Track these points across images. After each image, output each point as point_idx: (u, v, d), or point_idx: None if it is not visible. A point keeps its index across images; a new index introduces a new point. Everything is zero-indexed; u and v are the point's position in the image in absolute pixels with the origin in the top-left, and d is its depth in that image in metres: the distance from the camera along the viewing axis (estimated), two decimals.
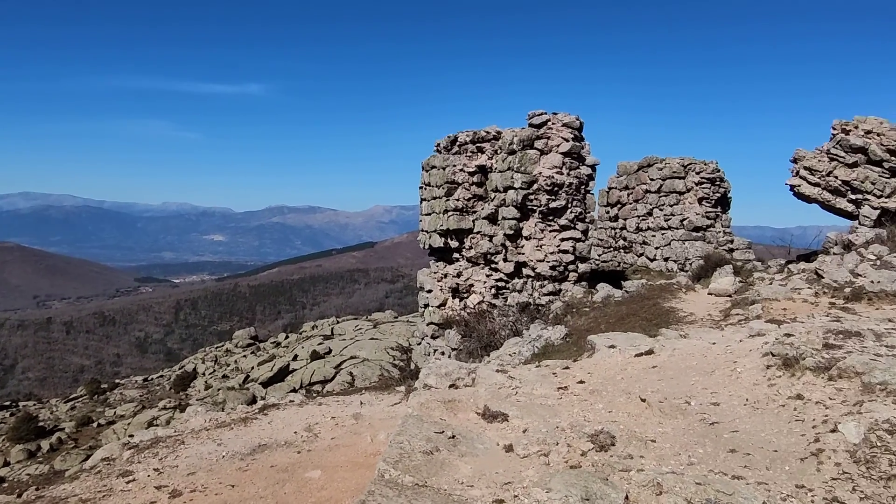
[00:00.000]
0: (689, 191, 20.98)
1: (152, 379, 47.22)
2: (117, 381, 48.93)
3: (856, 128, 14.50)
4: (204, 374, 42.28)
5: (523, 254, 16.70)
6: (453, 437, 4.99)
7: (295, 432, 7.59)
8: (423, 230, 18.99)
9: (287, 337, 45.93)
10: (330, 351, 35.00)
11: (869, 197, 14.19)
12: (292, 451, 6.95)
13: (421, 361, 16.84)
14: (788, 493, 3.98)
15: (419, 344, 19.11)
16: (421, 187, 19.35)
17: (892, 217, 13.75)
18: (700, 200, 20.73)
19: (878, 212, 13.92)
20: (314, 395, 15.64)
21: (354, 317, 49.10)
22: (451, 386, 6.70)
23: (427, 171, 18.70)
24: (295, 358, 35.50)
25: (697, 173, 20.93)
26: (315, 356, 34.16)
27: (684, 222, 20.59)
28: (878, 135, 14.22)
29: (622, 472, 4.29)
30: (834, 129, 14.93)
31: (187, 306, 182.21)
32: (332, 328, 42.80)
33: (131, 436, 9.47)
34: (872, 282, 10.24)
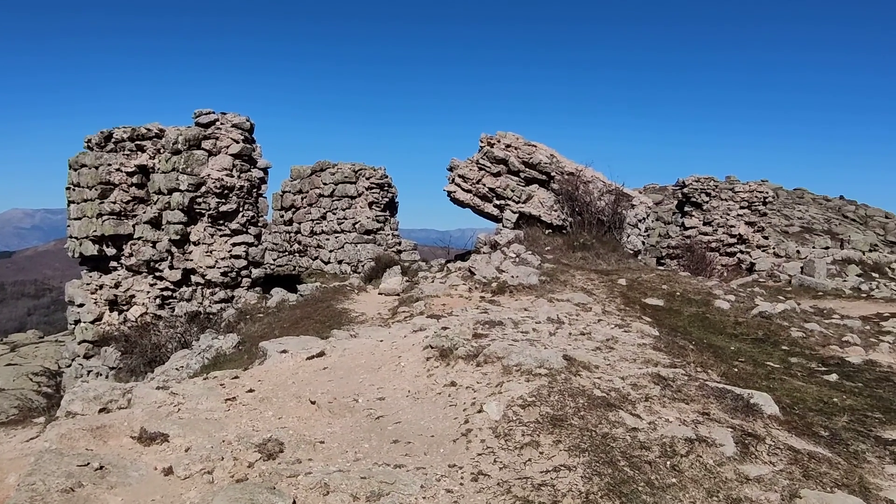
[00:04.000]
0: (360, 195, 21.87)
1: None
2: None
3: (498, 142, 16.56)
4: None
5: (192, 260, 15.71)
6: (101, 467, 4.41)
7: None
8: (72, 237, 16.72)
9: None
10: None
11: (510, 202, 16.29)
12: None
13: (73, 385, 14.78)
14: (443, 473, 4.29)
15: (69, 366, 16.80)
16: (69, 188, 17.02)
17: (528, 220, 15.97)
18: (370, 204, 21.76)
19: (517, 215, 16.06)
20: None
21: None
22: (101, 410, 5.95)
23: (76, 170, 16.52)
24: None
25: (367, 178, 21.93)
26: None
27: (356, 225, 21.41)
28: (516, 148, 16.43)
29: (290, 477, 4.21)
30: (482, 142, 16.84)
31: None
32: None
33: None
34: (513, 276, 11.75)
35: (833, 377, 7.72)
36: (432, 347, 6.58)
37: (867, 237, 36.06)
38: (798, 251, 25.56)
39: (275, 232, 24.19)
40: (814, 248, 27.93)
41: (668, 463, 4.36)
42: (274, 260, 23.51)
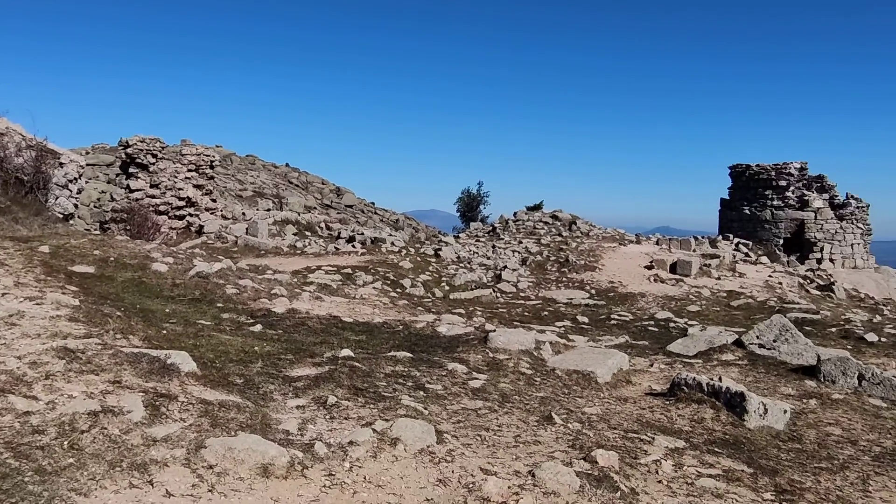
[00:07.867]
0: None
1: None
2: None
3: None
4: None
5: None
6: None
7: None
8: None
9: None
10: None
11: None
12: None
13: None
14: None
15: None
16: None
17: None
18: None
19: None
20: None
21: None
22: None
23: None
24: None
25: None
26: None
27: None
28: None
29: None
30: None
31: None
32: None
33: None
34: None
35: (258, 328, 8.31)
36: None
37: (307, 201, 40.63)
38: (244, 213, 27.03)
39: None
40: (258, 210, 30.00)
41: (66, 443, 3.91)
42: None
